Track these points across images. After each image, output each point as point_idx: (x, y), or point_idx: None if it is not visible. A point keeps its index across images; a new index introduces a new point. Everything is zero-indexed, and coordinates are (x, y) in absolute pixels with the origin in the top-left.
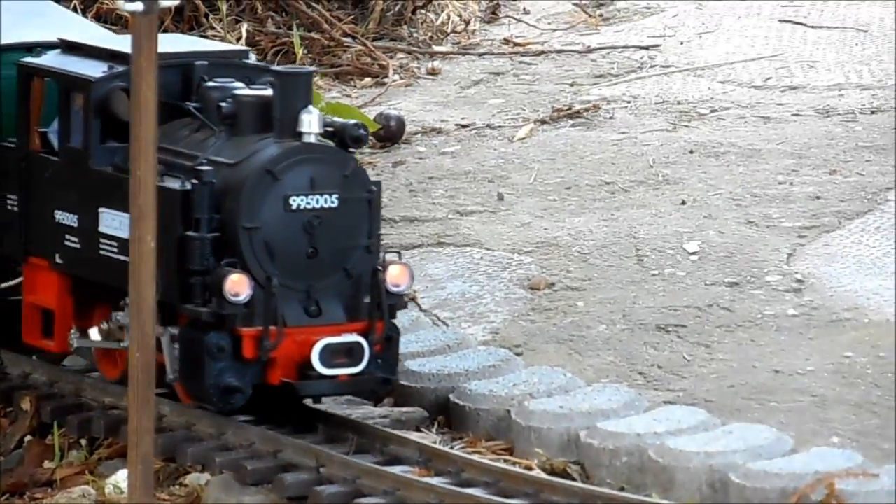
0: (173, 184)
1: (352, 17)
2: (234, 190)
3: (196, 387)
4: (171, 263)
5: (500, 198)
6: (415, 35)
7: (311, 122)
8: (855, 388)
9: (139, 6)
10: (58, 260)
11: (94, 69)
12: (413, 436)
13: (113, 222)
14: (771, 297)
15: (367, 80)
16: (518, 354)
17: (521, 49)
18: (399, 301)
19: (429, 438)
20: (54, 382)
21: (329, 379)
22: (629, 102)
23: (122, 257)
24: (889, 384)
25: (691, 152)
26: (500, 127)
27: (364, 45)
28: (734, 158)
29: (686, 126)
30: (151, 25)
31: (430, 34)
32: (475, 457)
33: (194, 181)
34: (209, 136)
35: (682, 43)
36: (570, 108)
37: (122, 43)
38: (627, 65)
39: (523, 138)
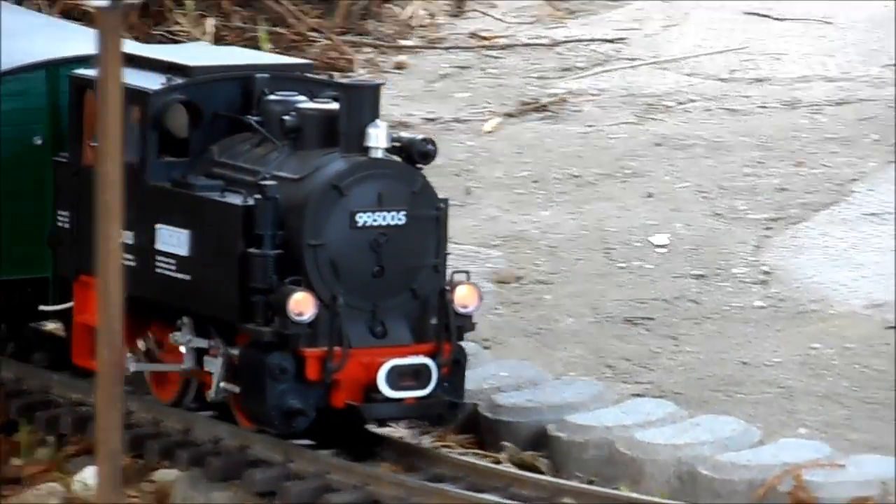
0: (234, 199)
1: (318, 11)
2: (298, 206)
3: (257, 409)
4: (232, 281)
5: (468, 192)
6: (381, 29)
7: (378, 137)
8: (822, 380)
9: (105, 2)
10: None
11: (151, 81)
12: (383, 431)
13: (171, 239)
14: (738, 289)
15: (334, 74)
16: (486, 348)
17: (487, 43)
18: (467, 323)
19: (398, 433)
20: (21, 379)
21: (395, 402)
22: (596, 95)
23: (180, 275)
24: (855, 375)
25: (658, 145)
26: (467, 121)
27: (330, 39)
28: (701, 151)
29: (653, 119)
30: (117, 21)
31: (396, 28)
32: (444, 451)
33: (257, 196)
34: (271, 150)
35: (648, 36)
36: (537, 102)
37: (178, 54)
38: (594, 58)
39: (490, 132)
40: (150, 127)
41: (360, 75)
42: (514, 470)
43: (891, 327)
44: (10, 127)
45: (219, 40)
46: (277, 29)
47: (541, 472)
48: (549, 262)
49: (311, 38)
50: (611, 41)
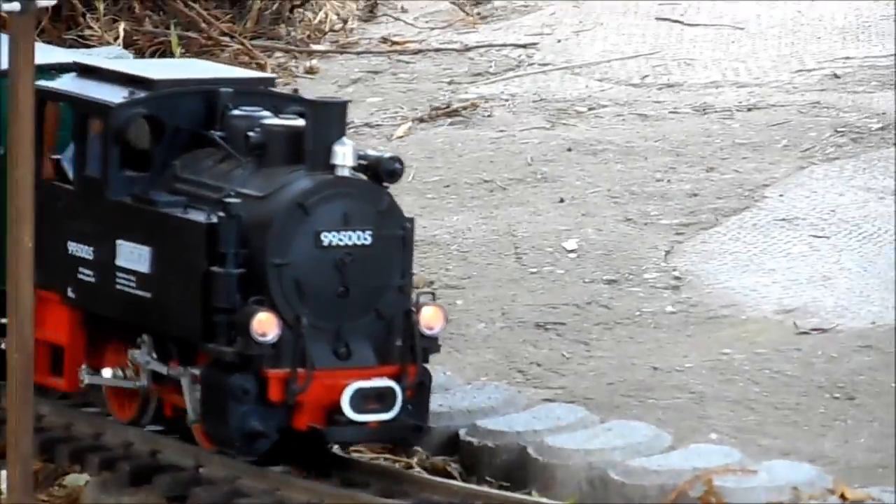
0: (197, 216)
1: (229, 16)
2: (262, 224)
3: (218, 431)
4: (194, 300)
5: None
6: (293, 34)
7: (344, 155)
8: (733, 385)
9: (16, 6)
10: (70, 294)
11: (113, 94)
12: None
13: (132, 255)
14: (649, 295)
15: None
16: None
17: (399, 48)
18: (433, 344)
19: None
20: None
21: (359, 425)
22: (507, 101)
23: (140, 292)
24: (766, 380)
25: (569, 150)
26: (378, 125)
27: (242, 44)
28: (612, 156)
29: (564, 124)
30: (29, 25)
31: (307, 33)
32: (355, 455)
33: (220, 214)
34: (235, 166)
35: (559, 41)
36: (448, 107)
37: (141, 67)
38: (505, 63)
39: (402, 137)
40: (111, 141)
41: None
42: (425, 475)
43: (802, 333)
44: None
45: (130, 45)
46: (189, 33)
47: (452, 477)
48: (460, 267)
49: (222, 43)
50: (522, 46)
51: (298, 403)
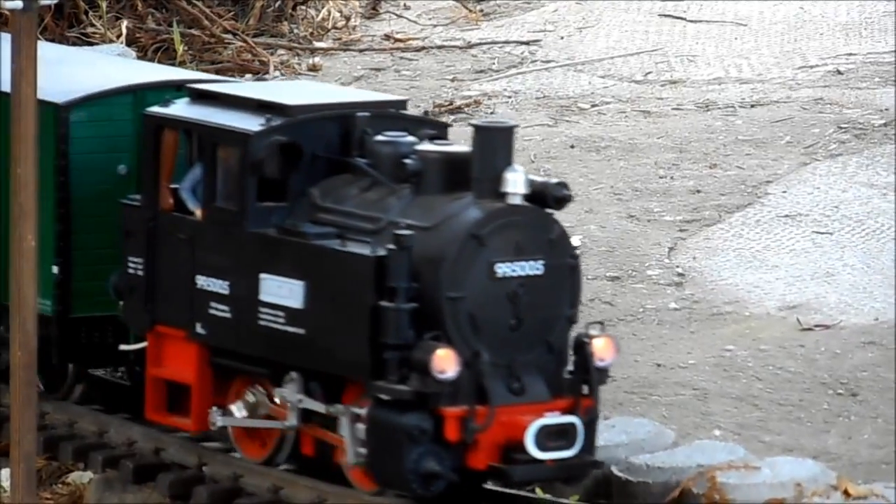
0: (361, 249)
1: (232, 13)
2: (434, 256)
3: (390, 472)
4: (361, 336)
5: None
6: (295, 31)
7: (516, 182)
8: (736, 381)
9: (18, 4)
10: (199, 330)
11: (246, 122)
12: None
13: (280, 290)
14: (652, 291)
15: (248, 76)
16: None
17: (401, 45)
18: (604, 376)
19: None
20: None
21: (541, 463)
22: (510, 98)
23: (291, 329)
24: (769, 377)
25: (572, 147)
26: None
27: (245, 41)
28: (615, 153)
29: (567, 121)
30: (31, 23)
31: (310, 30)
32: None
33: (390, 247)
34: (387, 195)
35: (562, 38)
36: (451, 104)
37: (261, 91)
38: (508, 60)
39: None
40: (249, 171)
41: (275, 77)
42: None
43: (806, 329)
44: (93, 155)
45: (132, 42)
46: (192, 31)
47: None
48: None
49: (225, 41)
50: (525, 43)
51: (474, 442)
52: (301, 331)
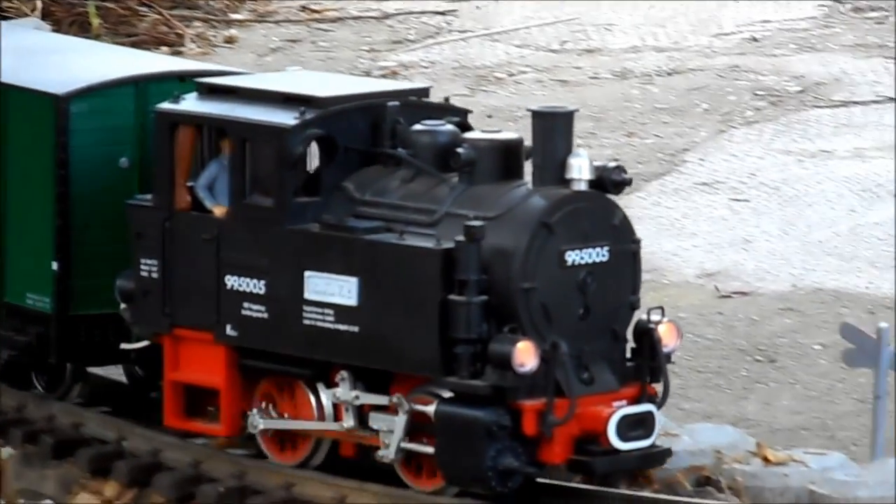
0: (424, 242)
1: None
2: (503, 246)
3: (465, 469)
4: (429, 332)
5: None
6: (211, 3)
7: (582, 168)
8: None
9: None
10: (229, 332)
11: (278, 116)
12: None
13: (328, 287)
14: None
15: (164, 48)
16: None
17: (317, 16)
18: (668, 363)
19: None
20: None
21: (622, 454)
22: (427, 68)
23: (342, 327)
24: (688, 344)
25: (489, 117)
26: None
27: (160, 13)
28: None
29: (484, 91)
30: None
31: (226, 2)
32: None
33: (459, 239)
34: (434, 185)
35: (478, 7)
36: (368, 75)
37: (275, 83)
38: (425, 30)
39: None
40: (286, 166)
41: (190, 50)
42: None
43: (724, 296)
44: (94, 147)
45: (47, 16)
46: (107, 4)
47: None
48: None
49: (140, 13)
50: (441, 13)
51: (551, 435)
52: (354, 328)
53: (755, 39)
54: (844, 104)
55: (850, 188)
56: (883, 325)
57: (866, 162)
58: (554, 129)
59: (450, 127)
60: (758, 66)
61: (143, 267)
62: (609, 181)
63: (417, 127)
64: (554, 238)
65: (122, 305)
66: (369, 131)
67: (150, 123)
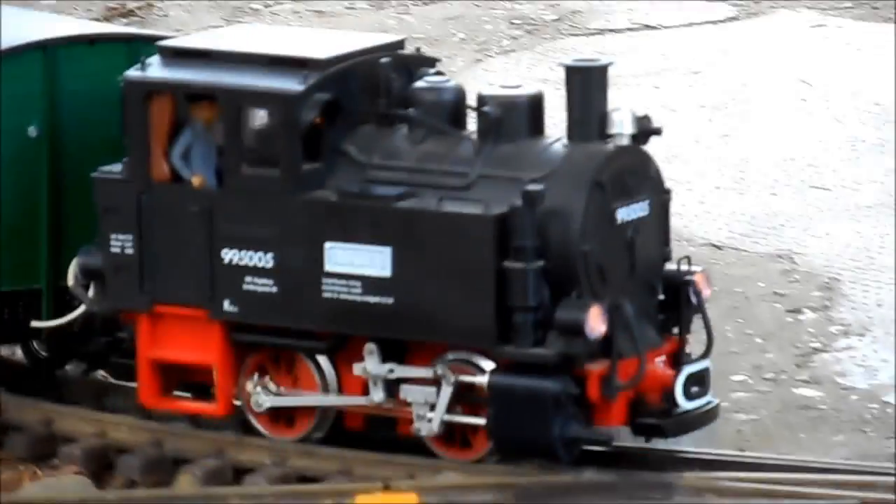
0: (470, 208)
1: None
2: (558, 208)
3: (529, 442)
4: (482, 300)
5: None
6: None
7: (623, 122)
8: None
9: None
10: (228, 308)
11: (280, 81)
12: None
13: (354, 258)
14: None
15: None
16: None
17: None
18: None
19: None
20: None
21: (689, 413)
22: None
23: (371, 298)
24: None
25: None
26: None
27: None
28: None
29: (240, 22)
30: None
31: None
32: None
33: (516, 203)
34: (454, 145)
35: None
36: (123, 7)
37: (257, 42)
38: None
39: None
40: (292, 132)
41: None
42: None
43: None
44: (0, 116)
45: None
46: None
47: None
48: None
49: None
50: None
51: (615, 399)
52: (389, 300)
53: None
54: (600, 32)
55: None
56: None
57: (621, 89)
58: (591, 83)
59: (453, 83)
60: None
61: (114, 243)
62: (642, 131)
63: (420, 84)
64: (605, 197)
65: (71, 282)
66: (365, 90)
67: (59, 91)
